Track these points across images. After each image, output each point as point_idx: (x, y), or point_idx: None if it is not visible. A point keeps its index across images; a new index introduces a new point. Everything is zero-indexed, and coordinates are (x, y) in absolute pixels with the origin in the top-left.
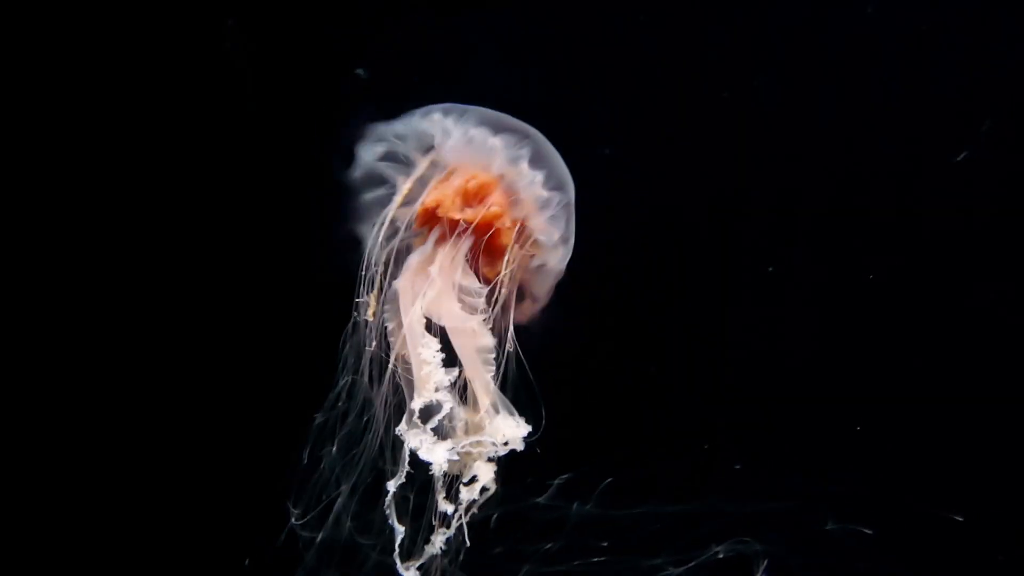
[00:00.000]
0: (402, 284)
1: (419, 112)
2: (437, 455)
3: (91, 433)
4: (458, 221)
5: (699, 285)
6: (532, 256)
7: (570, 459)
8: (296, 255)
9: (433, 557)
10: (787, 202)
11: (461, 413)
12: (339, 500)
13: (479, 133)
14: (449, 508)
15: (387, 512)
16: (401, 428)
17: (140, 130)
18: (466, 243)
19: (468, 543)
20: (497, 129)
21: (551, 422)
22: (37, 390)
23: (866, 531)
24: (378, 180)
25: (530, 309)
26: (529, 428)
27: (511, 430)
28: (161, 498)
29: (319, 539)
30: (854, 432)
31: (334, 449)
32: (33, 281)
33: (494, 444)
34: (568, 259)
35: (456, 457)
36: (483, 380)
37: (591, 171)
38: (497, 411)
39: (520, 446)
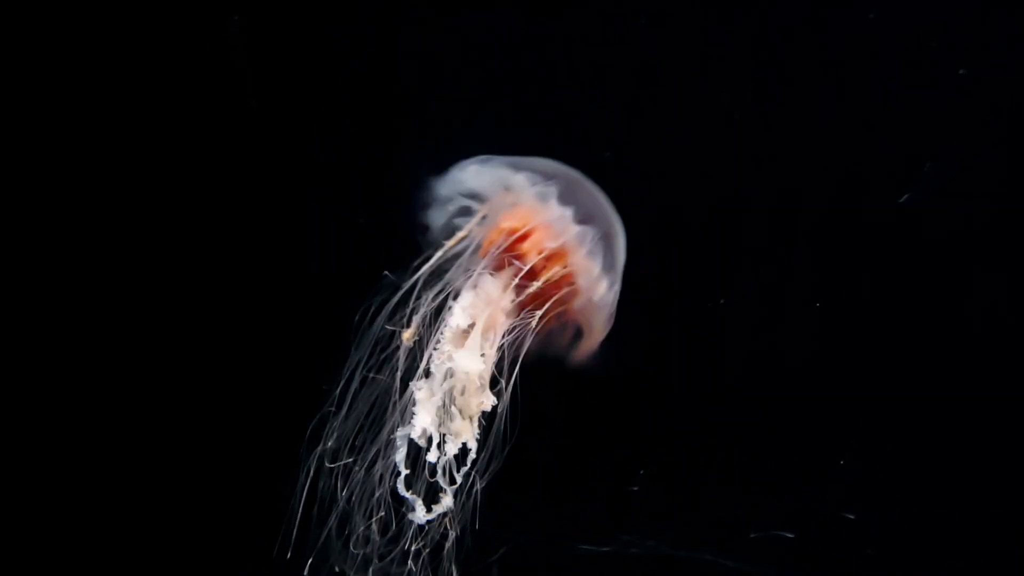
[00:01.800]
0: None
1: (457, 168)
2: (422, 419)
3: (91, 433)
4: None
5: (699, 285)
6: (577, 292)
7: (570, 459)
8: (296, 255)
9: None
10: (787, 202)
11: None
12: (342, 498)
13: (514, 180)
14: (434, 458)
15: (397, 446)
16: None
17: (140, 129)
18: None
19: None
20: (520, 169)
21: (551, 422)
22: (36, 389)
23: (787, 535)
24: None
25: (588, 345)
26: (483, 366)
27: (470, 363)
28: (161, 498)
29: (324, 535)
30: (854, 432)
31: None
32: (32, 278)
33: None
34: (616, 293)
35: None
36: (482, 331)
37: (591, 171)
38: (469, 349)
39: (475, 383)
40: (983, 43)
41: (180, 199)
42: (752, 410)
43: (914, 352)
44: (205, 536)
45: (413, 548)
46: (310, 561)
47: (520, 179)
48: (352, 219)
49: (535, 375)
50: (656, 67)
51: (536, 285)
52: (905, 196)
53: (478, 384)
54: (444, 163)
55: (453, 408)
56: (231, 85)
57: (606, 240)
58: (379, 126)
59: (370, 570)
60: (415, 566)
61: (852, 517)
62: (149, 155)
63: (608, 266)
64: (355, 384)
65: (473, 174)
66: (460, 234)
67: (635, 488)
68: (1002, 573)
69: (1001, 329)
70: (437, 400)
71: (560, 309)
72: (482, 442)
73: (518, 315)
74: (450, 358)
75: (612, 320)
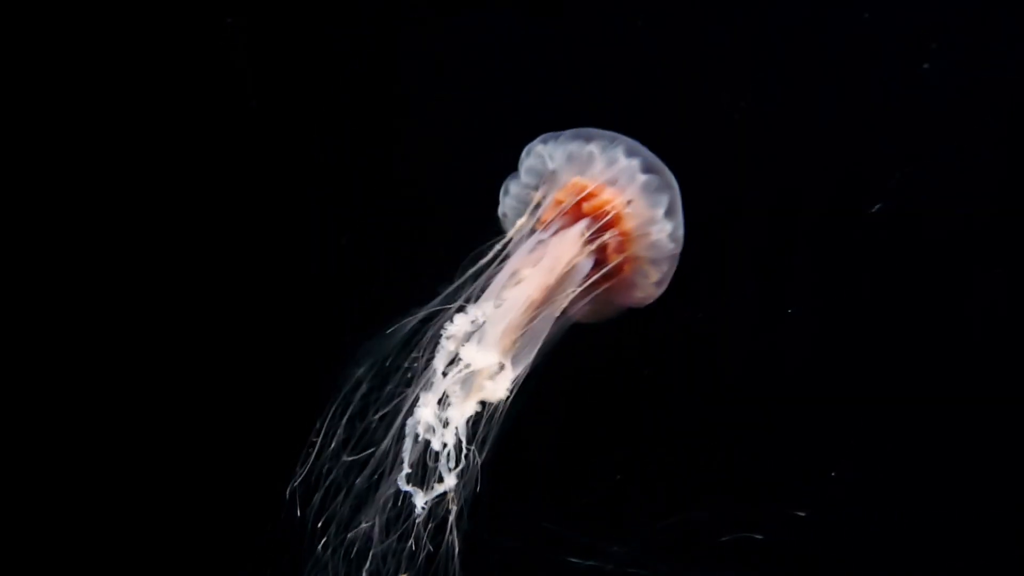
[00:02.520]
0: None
1: (524, 153)
2: (424, 414)
3: (92, 433)
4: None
5: (699, 285)
6: (642, 236)
7: (570, 459)
8: (296, 255)
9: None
10: (787, 202)
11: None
12: (343, 496)
13: (576, 147)
14: (438, 446)
15: (406, 434)
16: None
17: (140, 129)
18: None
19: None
20: (590, 139)
21: (551, 423)
22: (37, 391)
23: (756, 536)
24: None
25: (648, 291)
26: (495, 361)
27: (481, 358)
28: (161, 498)
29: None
30: (854, 432)
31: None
32: (33, 279)
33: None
34: (678, 242)
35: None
36: (512, 324)
37: None
38: (481, 343)
39: (483, 376)
40: (983, 43)
41: (180, 199)
42: (750, 410)
43: (913, 352)
44: (205, 536)
45: (416, 523)
46: (318, 548)
47: (593, 148)
48: (351, 219)
49: (535, 375)
50: (656, 67)
51: (607, 236)
52: (877, 206)
53: (490, 374)
54: (454, 159)
55: (453, 400)
56: (231, 85)
57: (671, 192)
58: (379, 126)
59: (371, 553)
60: (416, 546)
61: (803, 514)
62: (149, 155)
63: (670, 212)
64: (361, 388)
65: (546, 156)
66: (530, 208)
67: (589, 499)
68: (1002, 573)
69: (1001, 329)
70: (450, 384)
71: (620, 258)
72: (473, 433)
73: (583, 280)
74: (463, 353)
75: (672, 269)
